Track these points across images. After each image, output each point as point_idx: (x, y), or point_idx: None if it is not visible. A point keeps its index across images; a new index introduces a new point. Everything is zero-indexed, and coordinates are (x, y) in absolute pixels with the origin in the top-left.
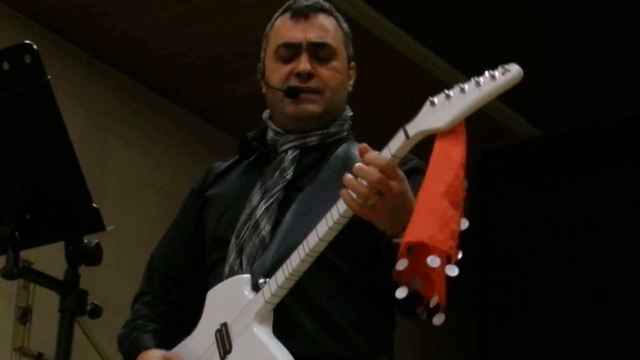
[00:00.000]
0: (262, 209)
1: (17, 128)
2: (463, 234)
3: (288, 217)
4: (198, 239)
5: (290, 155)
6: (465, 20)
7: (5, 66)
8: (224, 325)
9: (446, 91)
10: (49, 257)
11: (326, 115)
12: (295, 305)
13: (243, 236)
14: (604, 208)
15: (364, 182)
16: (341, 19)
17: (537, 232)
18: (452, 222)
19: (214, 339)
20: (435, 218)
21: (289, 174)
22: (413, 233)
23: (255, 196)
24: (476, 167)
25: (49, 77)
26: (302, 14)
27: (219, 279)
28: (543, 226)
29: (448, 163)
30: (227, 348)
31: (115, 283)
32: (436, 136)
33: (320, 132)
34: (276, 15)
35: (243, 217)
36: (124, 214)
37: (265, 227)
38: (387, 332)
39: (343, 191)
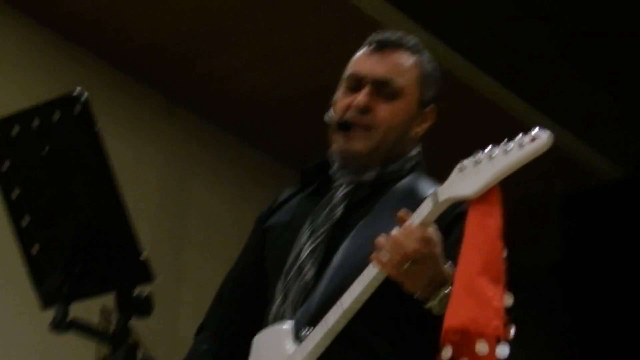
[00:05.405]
0: (308, 251)
1: (67, 179)
2: (550, 282)
3: (338, 256)
4: (261, 267)
5: (342, 191)
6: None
7: (56, 116)
8: None
9: (475, 156)
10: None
11: (375, 154)
12: None
13: (289, 279)
14: None
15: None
16: (426, 58)
17: (623, 274)
18: (493, 300)
19: None
20: (474, 299)
21: (339, 212)
22: (454, 317)
23: (304, 235)
24: (559, 209)
25: (99, 126)
26: (378, 48)
27: (266, 321)
28: (628, 268)
29: (482, 236)
30: None
31: (197, 326)
32: (469, 204)
33: (379, 168)
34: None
35: (291, 258)
36: (206, 257)
37: (309, 272)
38: None
39: (374, 255)
